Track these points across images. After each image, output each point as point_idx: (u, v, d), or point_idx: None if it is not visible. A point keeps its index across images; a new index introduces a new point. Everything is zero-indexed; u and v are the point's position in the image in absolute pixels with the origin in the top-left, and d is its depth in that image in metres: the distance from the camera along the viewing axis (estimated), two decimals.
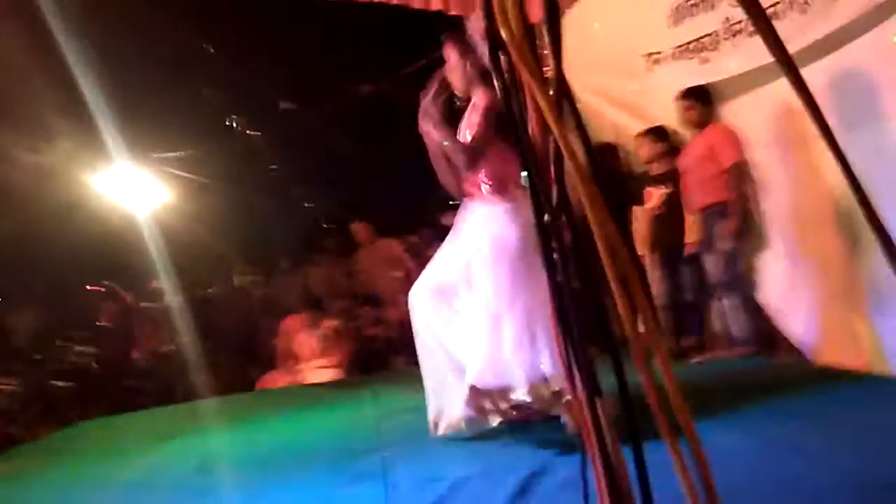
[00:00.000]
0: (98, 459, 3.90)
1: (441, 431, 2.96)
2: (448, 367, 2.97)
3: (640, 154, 4.56)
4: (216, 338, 6.94)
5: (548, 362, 2.74)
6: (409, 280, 6.27)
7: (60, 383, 6.21)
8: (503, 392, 2.78)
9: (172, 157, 7.27)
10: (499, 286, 2.86)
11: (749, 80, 3.58)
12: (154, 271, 6.52)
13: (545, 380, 2.74)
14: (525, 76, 0.78)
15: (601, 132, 4.87)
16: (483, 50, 2.93)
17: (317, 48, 7.15)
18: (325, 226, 8.37)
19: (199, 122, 7.28)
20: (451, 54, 3.06)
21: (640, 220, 4.66)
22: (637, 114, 4.63)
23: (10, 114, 5.82)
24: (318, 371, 5.41)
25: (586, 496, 0.94)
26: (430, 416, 3.00)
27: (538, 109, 0.78)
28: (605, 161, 4.75)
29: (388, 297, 6.50)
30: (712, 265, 4.00)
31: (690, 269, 4.27)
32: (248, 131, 7.57)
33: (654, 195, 4.47)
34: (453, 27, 3.22)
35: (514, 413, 2.85)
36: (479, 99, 2.98)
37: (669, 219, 4.34)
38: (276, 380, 5.64)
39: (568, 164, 0.79)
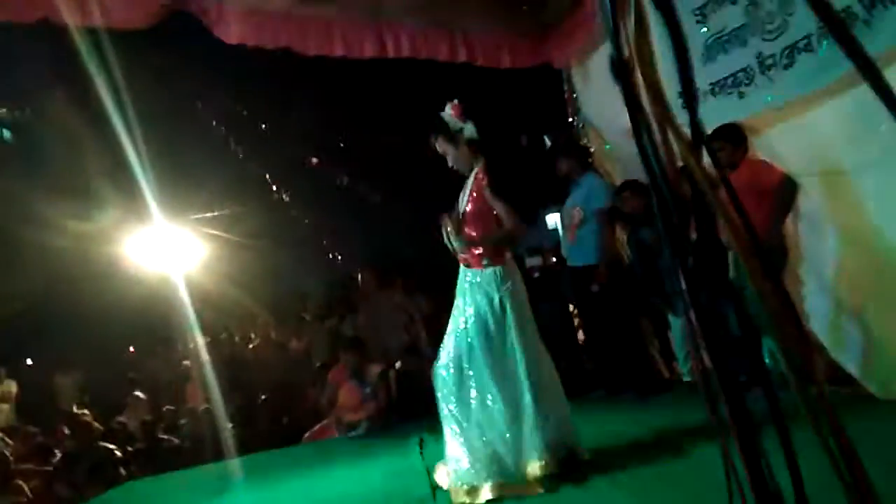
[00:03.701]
0: None
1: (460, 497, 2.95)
2: (476, 434, 3.02)
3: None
4: (256, 393, 6.95)
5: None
6: (408, 332, 6.29)
7: (108, 444, 6.21)
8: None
9: (206, 218, 7.42)
10: (530, 347, 3.05)
11: (785, 113, 3.63)
12: (192, 329, 6.59)
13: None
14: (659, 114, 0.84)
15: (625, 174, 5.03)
16: (464, 125, 3.24)
17: (340, 106, 7.35)
18: (352, 276, 8.42)
19: (231, 182, 7.47)
20: (446, 147, 3.28)
21: None
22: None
23: (59, 184, 6.02)
24: (361, 420, 5.41)
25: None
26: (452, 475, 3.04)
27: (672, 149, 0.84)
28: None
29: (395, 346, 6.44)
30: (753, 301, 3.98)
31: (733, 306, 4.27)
32: (277, 188, 7.74)
33: None
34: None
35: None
36: (480, 172, 3.22)
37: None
38: (323, 431, 5.63)
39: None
